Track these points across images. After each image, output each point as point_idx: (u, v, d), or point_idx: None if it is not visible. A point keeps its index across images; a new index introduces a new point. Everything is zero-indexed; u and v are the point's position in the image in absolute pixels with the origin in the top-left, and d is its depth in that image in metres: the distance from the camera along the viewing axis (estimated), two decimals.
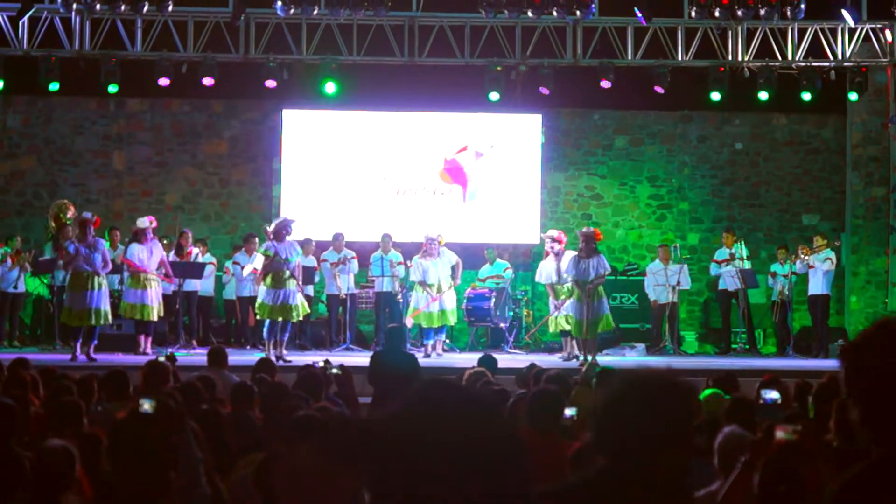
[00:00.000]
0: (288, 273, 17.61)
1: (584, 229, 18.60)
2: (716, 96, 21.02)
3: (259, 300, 17.83)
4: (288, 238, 17.80)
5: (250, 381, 10.00)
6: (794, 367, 16.85)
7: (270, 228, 17.89)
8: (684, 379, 3.38)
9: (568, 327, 18.39)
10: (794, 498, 4.69)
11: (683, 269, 20.59)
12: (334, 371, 10.85)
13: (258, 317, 18.00)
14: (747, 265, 20.74)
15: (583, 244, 17.93)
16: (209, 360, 12.11)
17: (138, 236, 18.35)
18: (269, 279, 17.58)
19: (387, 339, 11.73)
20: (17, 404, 6.76)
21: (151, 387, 8.57)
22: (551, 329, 19.20)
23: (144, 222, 18.47)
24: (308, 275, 19.78)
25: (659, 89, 20.76)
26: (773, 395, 7.79)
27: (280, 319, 17.57)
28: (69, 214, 19.95)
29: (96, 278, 17.09)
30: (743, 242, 20.98)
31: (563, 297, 18.55)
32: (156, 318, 18.40)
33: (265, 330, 17.95)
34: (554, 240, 18.77)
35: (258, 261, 18.99)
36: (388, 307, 20.60)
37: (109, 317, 17.46)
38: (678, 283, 20.37)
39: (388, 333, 11.78)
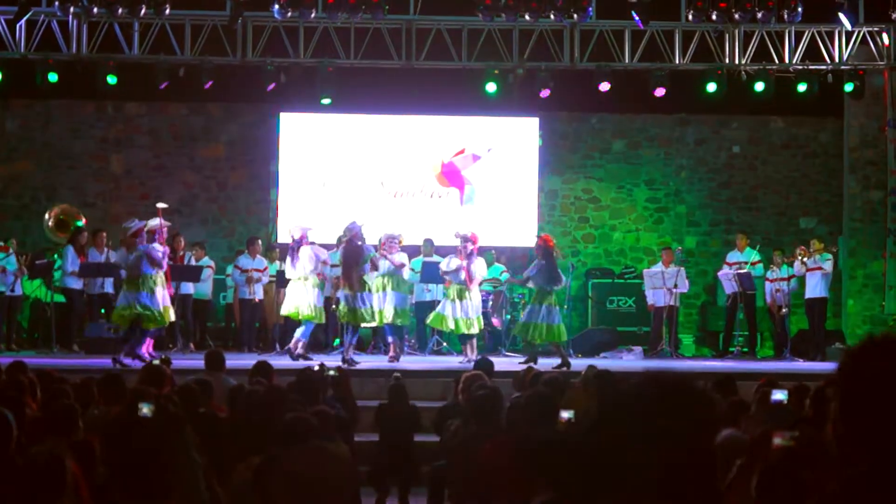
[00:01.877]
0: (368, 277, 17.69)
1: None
2: (711, 87, 20.93)
3: (341, 305, 17.72)
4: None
5: (248, 384, 10.01)
6: (792, 370, 16.83)
7: (344, 236, 17.85)
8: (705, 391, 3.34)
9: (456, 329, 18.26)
10: (794, 502, 4.68)
11: (681, 272, 20.59)
12: (331, 373, 10.86)
13: (343, 321, 17.86)
14: (760, 270, 20.78)
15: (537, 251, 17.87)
16: (206, 364, 12.10)
17: (154, 238, 18.33)
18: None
19: (389, 395, 11.75)
20: (14, 408, 6.75)
21: (148, 390, 8.56)
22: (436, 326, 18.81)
23: (157, 223, 18.52)
24: None
25: (661, 91, 20.75)
26: (781, 395, 7.79)
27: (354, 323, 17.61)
28: (76, 217, 20.08)
29: (147, 280, 17.05)
30: (758, 248, 21.02)
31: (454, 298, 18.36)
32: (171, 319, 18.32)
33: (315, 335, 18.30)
34: (467, 239, 18.53)
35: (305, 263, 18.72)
36: None
37: (162, 318, 17.32)
38: (675, 286, 20.38)
39: (391, 390, 11.81)
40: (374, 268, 17.86)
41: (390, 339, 18.54)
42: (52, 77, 20.22)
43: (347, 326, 17.57)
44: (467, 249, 18.36)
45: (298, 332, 18.11)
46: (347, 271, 17.59)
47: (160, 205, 18.29)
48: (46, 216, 20.60)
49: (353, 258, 17.50)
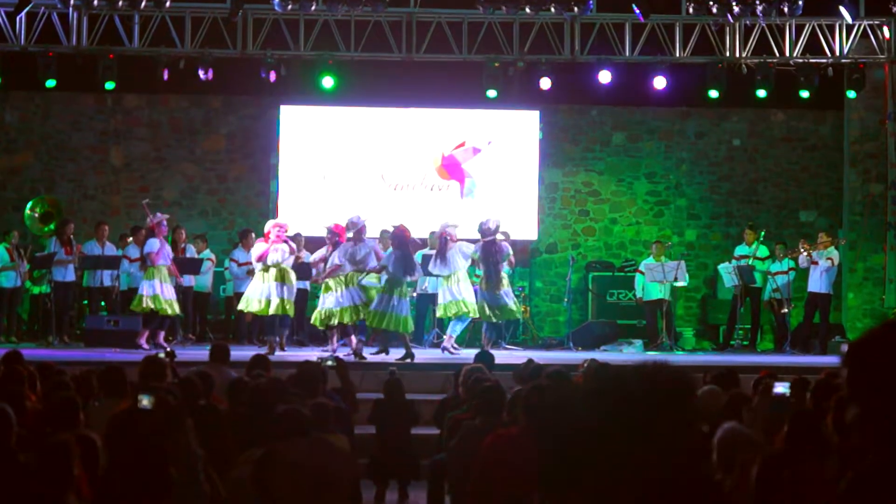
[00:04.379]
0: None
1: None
2: (714, 94, 21.03)
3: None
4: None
5: (246, 376, 10.01)
6: (792, 364, 16.83)
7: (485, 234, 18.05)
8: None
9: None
10: (793, 492, 4.68)
11: (681, 265, 20.58)
12: (329, 364, 10.86)
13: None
14: (766, 265, 20.75)
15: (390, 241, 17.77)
16: (211, 356, 12.07)
17: (154, 231, 18.49)
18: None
19: (385, 390, 11.74)
20: (14, 400, 6.74)
21: (148, 383, 8.56)
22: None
23: (160, 216, 18.62)
24: (305, 271, 19.76)
25: (661, 81, 20.74)
26: (783, 388, 7.80)
27: None
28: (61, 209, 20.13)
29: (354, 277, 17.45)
30: (762, 238, 20.97)
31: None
32: (170, 312, 18.40)
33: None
34: (332, 231, 17.99)
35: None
36: None
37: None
38: (675, 279, 20.37)
39: (386, 385, 11.81)
40: (511, 264, 18.05)
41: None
42: (51, 83, 20.28)
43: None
44: (332, 240, 17.96)
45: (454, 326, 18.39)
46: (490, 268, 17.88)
47: (146, 201, 18.57)
48: (28, 209, 20.50)
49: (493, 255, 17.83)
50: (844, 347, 3.07)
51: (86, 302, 20.40)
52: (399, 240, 17.42)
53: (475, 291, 18.12)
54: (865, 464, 2.86)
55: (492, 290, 17.82)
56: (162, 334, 18.52)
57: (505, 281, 18.06)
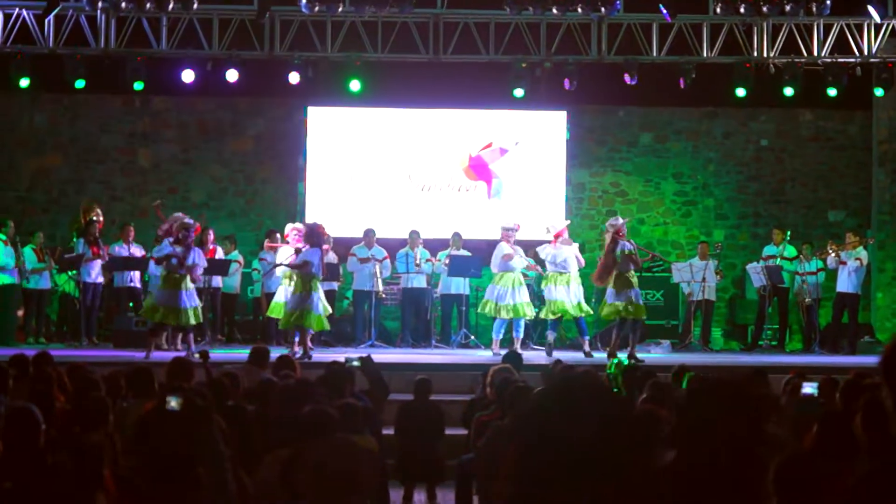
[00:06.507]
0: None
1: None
2: (741, 92, 20.95)
3: None
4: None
5: (274, 377, 10.03)
6: (821, 364, 16.77)
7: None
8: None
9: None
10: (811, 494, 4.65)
11: (709, 265, 20.53)
12: (355, 364, 10.85)
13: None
14: (793, 265, 20.67)
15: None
16: (251, 358, 12.07)
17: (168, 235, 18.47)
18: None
19: (415, 391, 11.73)
20: (43, 401, 6.77)
21: (175, 383, 8.58)
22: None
23: (177, 216, 18.62)
24: (331, 271, 19.78)
25: (681, 83, 20.68)
26: (811, 388, 7.78)
27: None
28: (94, 213, 20.10)
29: (187, 279, 17.14)
30: (789, 238, 20.90)
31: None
32: (192, 322, 17.94)
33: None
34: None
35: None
36: (413, 304, 20.60)
37: (193, 317, 17.23)
38: (704, 279, 20.32)
39: (416, 385, 11.80)
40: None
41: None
42: (79, 83, 20.32)
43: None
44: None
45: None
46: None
47: (188, 220, 18.29)
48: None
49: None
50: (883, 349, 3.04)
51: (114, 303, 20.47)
52: (317, 237, 17.31)
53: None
54: (872, 464, 2.85)
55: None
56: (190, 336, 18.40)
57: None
